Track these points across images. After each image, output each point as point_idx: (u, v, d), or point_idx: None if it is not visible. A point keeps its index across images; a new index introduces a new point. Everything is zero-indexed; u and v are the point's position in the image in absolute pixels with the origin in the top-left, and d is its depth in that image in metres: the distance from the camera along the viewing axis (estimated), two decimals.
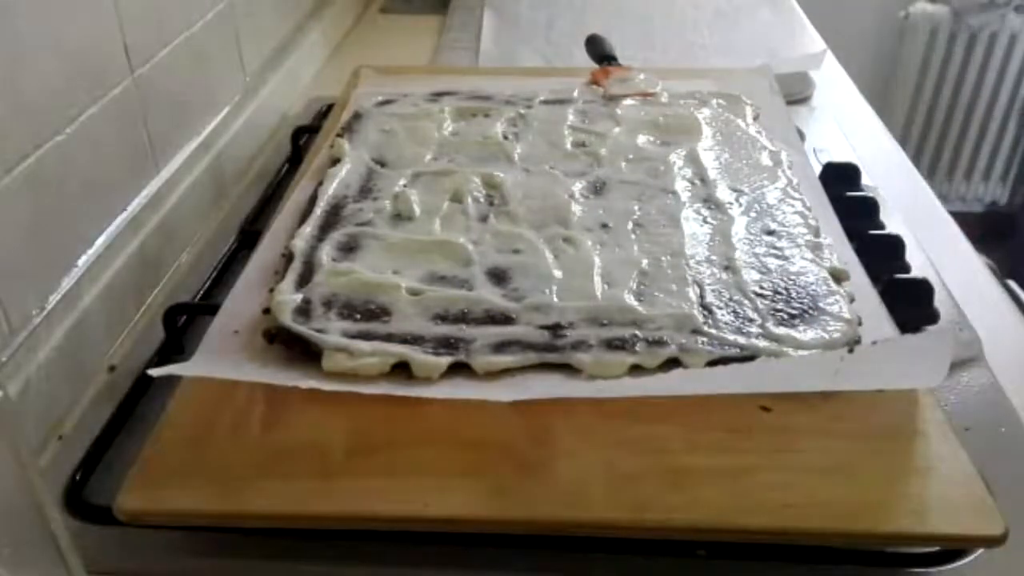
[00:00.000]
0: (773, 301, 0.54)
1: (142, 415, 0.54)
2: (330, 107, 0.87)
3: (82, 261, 0.58)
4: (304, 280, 0.56)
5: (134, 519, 0.43)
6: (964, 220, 0.76)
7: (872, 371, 0.48)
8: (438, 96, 0.81)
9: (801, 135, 0.80)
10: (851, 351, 0.49)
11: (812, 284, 0.55)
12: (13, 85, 0.51)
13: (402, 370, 0.49)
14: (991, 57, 2.05)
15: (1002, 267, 0.73)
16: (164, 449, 0.46)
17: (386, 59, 1.06)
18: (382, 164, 0.70)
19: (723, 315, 0.53)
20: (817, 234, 0.60)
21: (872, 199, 0.69)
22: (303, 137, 0.86)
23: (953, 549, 0.45)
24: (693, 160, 0.70)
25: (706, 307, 0.53)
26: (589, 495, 0.43)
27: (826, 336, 0.51)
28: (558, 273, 0.56)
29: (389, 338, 0.51)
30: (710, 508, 0.42)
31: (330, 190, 0.66)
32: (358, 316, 0.53)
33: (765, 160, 0.70)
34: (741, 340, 0.50)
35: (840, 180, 0.71)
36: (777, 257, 0.58)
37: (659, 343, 0.50)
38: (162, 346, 0.59)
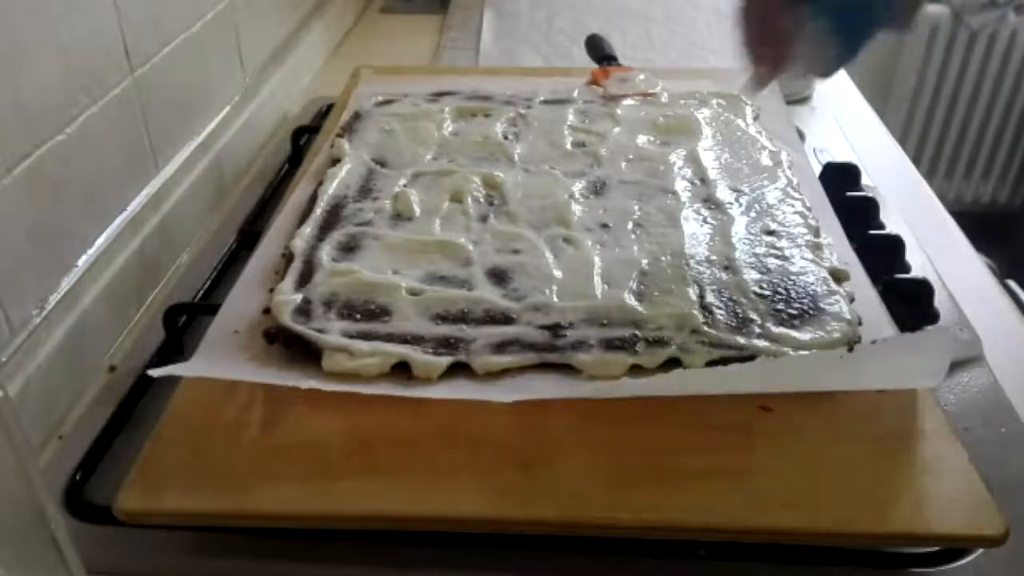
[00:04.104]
0: (773, 301, 0.54)
1: (142, 415, 0.54)
2: (330, 107, 0.87)
3: (82, 261, 0.58)
4: (304, 280, 0.56)
5: (134, 519, 0.43)
6: (964, 220, 0.76)
7: (872, 371, 0.48)
8: (438, 96, 0.81)
9: (801, 135, 0.80)
10: (851, 350, 0.49)
11: (812, 284, 0.55)
12: (13, 85, 0.51)
13: (402, 370, 0.49)
14: (991, 57, 2.05)
15: (1002, 267, 0.73)
16: (164, 449, 0.46)
17: (386, 59, 1.06)
18: (382, 164, 0.70)
19: (723, 315, 0.53)
20: (817, 234, 0.60)
21: (872, 199, 0.69)
22: (303, 137, 0.86)
23: (953, 549, 0.45)
24: (693, 160, 0.70)
25: (706, 307, 0.53)
26: (589, 495, 0.43)
27: (826, 336, 0.51)
28: (558, 273, 0.56)
29: (389, 338, 0.51)
30: (710, 508, 0.42)
31: (330, 190, 0.66)
32: (358, 316, 0.53)
33: (765, 160, 0.70)
34: (741, 340, 0.50)
35: (840, 180, 0.71)
36: (777, 257, 0.58)
37: (659, 343, 0.50)
38: (162, 346, 0.59)
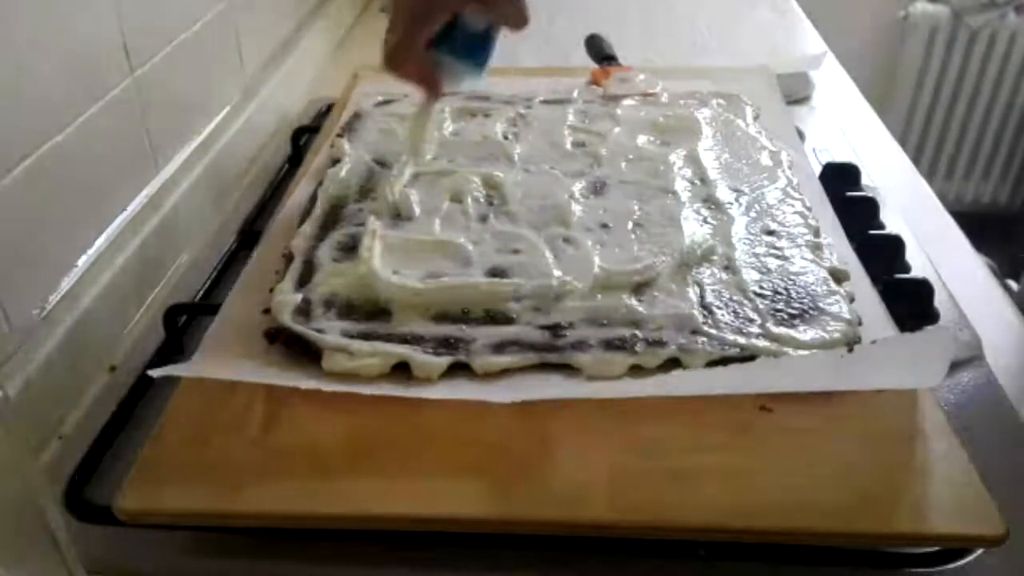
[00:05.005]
0: (773, 301, 0.54)
1: (142, 415, 0.54)
2: (330, 107, 0.87)
3: (82, 261, 0.58)
4: (304, 280, 0.56)
5: (134, 519, 0.43)
6: (964, 220, 0.76)
7: (872, 371, 0.48)
8: None
9: (801, 135, 0.80)
10: (851, 351, 0.49)
11: (812, 284, 0.55)
12: (13, 85, 0.51)
13: (402, 370, 0.49)
14: (991, 57, 2.05)
15: (1002, 267, 0.73)
16: (164, 449, 0.46)
17: None
18: (382, 164, 0.70)
19: (723, 315, 0.53)
20: (817, 234, 0.60)
21: (872, 199, 0.69)
22: (303, 137, 0.85)
23: (953, 549, 0.45)
24: (693, 160, 0.70)
25: (706, 307, 0.53)
26: (589, 495, 0.43)
27: (826, 336, 0.51)
28: (558, 273, 0.56)
29: (389, 338, 0.51)
30: (710, 508, 0.42)
31: (330, 190, 0.66)
32: (358, 316, 0.53)
33: (765, 160, 0.70)
34: (741, 340, 0.50)
35: (840, 180, 0.71)
36: (777, 257, 0.58)
37: (659, 343, 0.50)
38: (162, 346, 0.59)
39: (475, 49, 0.58)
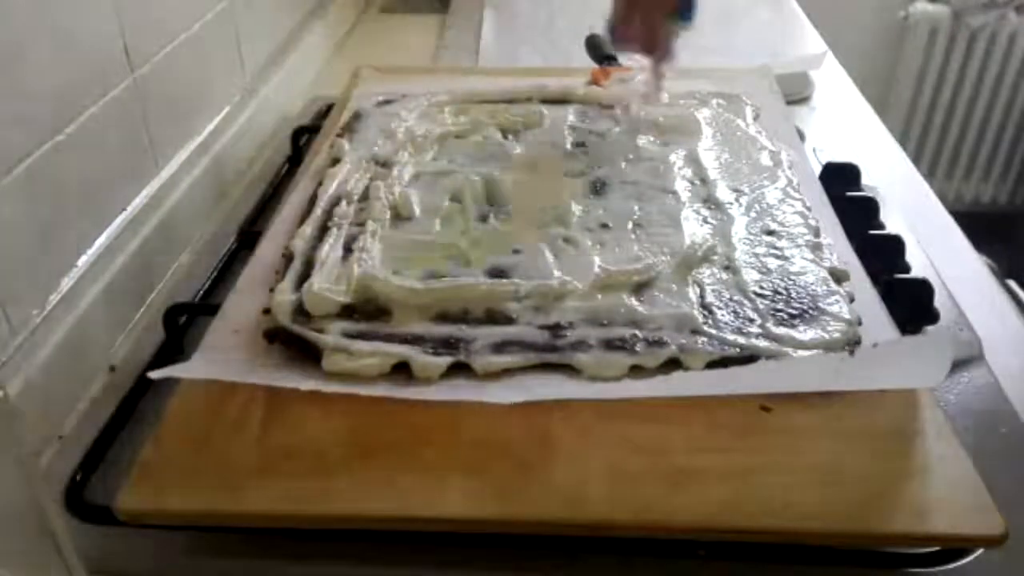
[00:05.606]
0: (773, 301, 0.54)
1: (142, 415, 0.54)
2: (330, 107, 0.87)
3: (82, 261, 0.58)
4: (304, 280, 0.55)
5: (134, 519, 0.43)
6: (964, 220, 0.76)
7: (872, 372, 0.48)
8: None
9: (801, 135, 0.80)
10: (851, 353, 0.49)
11: (812, 284, 0.55)
12: (13, 85, 0.51)
13: (402, 370, 0.49)
14: (991, 57, 2.05)
15: (1002, 267, 0.73)
16: (164, 449, 0.46)
17: (386, 59, 1.06)
18: (382, 164, 0.70)
19: (723, 315, 0.53)
20: (817, 234, 0.60)
21: (872, 199, 0.69)
22: (303, 137, 0.85)
23: (953, 549, 0.45)
24: (693, 160, 0.70)
25: (706, 307, 0.53)
26: (589, 495, 0.43)
27: (826, 336, 0.51)
28: (558, 273, 0.56)
29: (389, 338, 0.51)
30: (710, 508, 0.42)
31: (330, 190, 0.66)
32: (358, 316, 0.53)
33: (765, 160, 0.70)
34: (741, 340, 0.50)
35: (840, 180, 0.71)
36: (777, 257, 0.58)
37: (659, 343, 0.50)
38: (162, 346, 0.59)
39: (690, 8, 0.73)
